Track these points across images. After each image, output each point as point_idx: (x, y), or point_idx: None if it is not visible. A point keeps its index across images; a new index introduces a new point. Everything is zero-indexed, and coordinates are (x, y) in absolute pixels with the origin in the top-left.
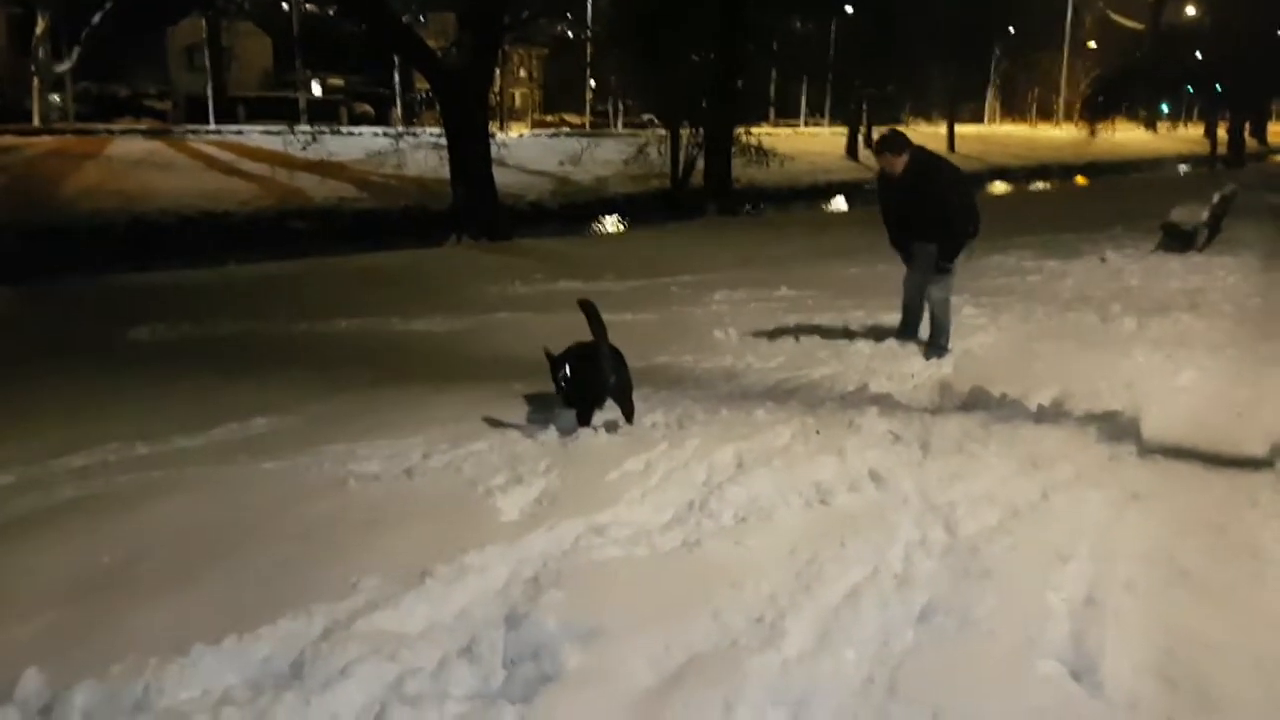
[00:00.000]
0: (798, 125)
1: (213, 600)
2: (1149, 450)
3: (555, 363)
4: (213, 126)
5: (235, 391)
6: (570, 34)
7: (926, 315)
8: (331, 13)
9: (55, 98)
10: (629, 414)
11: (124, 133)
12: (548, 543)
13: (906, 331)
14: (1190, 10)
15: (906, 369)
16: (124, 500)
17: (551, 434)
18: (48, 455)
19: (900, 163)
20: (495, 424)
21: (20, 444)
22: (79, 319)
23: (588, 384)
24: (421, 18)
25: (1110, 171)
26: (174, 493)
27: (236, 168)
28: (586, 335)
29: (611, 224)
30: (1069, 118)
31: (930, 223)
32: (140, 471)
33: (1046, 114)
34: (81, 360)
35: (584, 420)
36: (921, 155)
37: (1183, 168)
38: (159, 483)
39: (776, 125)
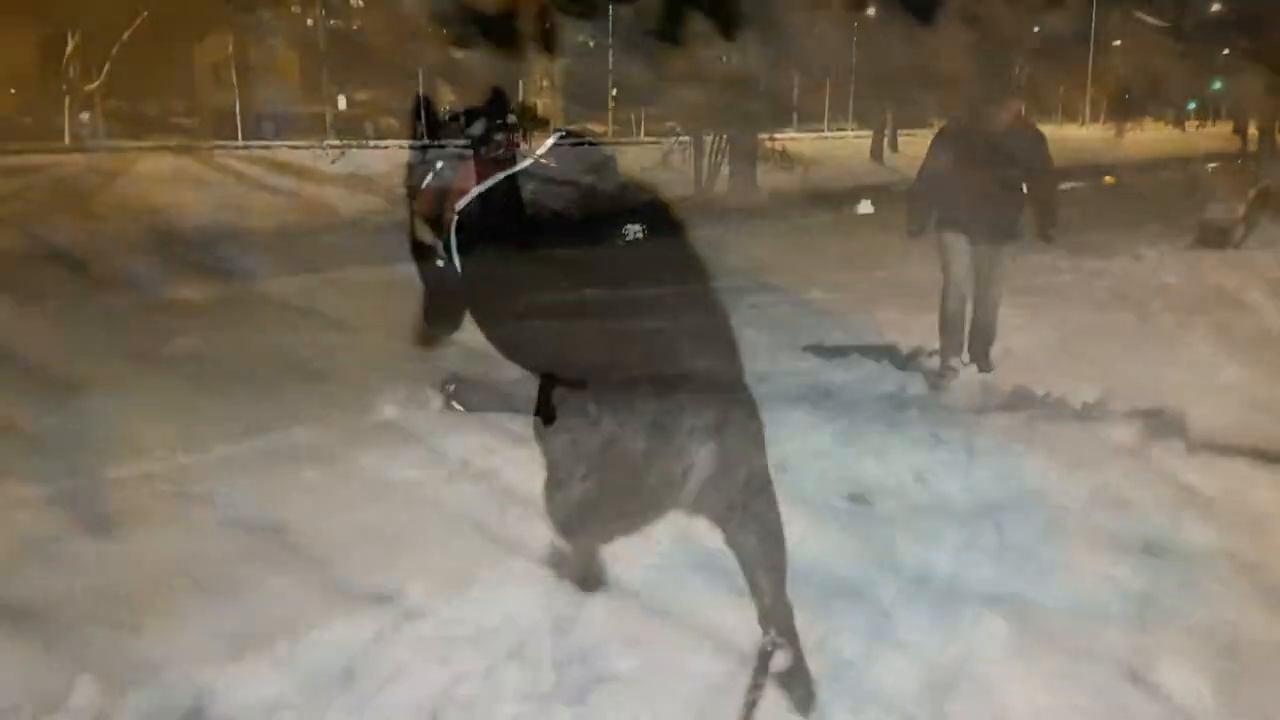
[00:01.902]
0: (821, 131)
1: (262, 608)
2: (1196, 448)
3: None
4: (240, 142)
5: (274, 402)
6: (592, 44)
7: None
8: (357, 27)
9: (85, 116)
10: None
11: (153, 149)
12: None
13: (954, 351)
14: (1216, 6)
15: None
16: (167, 510)
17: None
18: (87, 467)
19: (1013, 114)
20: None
21: (58, 457)
22: (112, 335)
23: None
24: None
25: (1140, 170)
26: (217, 502)
27: (264, 182)
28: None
29: (636, 232)
30: (1095, 118)
31: (1025, 187)
32: (182, 481)
33: (1072, 115)
34: (117, 374)
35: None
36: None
37: (1213, 165)
38: (202, 492)
39: (800, 131)
